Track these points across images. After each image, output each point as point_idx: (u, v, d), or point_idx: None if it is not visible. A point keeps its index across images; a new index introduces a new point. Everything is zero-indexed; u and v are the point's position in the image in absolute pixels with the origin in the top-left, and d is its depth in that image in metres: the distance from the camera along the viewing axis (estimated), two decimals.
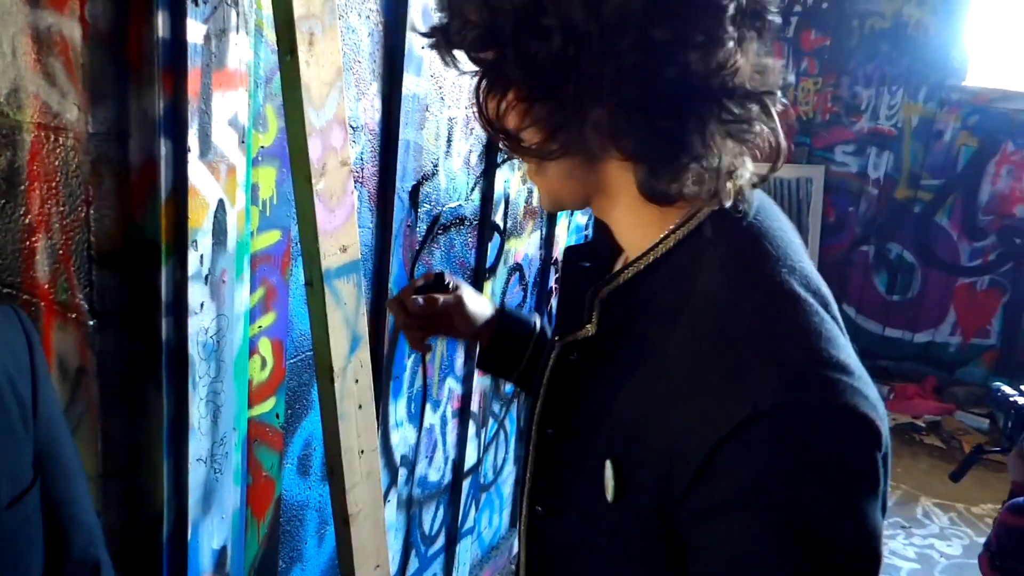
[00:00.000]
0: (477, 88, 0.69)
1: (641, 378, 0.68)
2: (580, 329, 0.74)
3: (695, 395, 0.62)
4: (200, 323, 1.20)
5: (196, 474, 1.22)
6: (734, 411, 0.59)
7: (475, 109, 0.71)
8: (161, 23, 1.07)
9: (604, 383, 0.72)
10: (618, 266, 0.79)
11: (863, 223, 5.17)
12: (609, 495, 0.68)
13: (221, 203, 1.21)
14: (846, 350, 0.63)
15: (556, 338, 0.77)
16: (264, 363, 1.51)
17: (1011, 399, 2.05)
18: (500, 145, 0.73)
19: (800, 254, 0.70)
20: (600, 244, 0.84)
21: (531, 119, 0.67)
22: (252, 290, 1.43)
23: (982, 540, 2.37)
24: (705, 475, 0.60)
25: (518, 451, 2.79)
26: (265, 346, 1.51)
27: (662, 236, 0.69)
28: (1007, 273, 4.93)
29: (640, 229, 0.71)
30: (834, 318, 0.66)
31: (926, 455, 4.23)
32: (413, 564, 2.25)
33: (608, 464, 0.68)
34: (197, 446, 1.22)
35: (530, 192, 2.47)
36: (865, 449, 0.60)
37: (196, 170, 1.15)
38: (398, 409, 1.94)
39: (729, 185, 0.66)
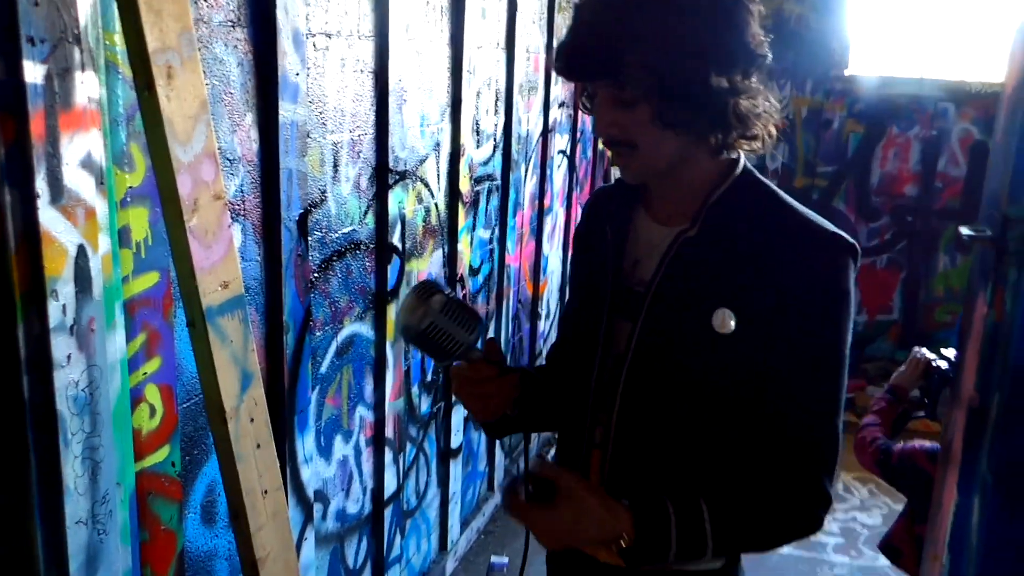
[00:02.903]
0: (610, 106, 1.09)
1: (742, 254, 1.09)
2: (687, 231, 1.14)
3: (787, 255, 1.07)
4: (68, 376, 1.14)
5: (76, 537, 1.15)
6: (820, 257, 1.06)
7: (607, 120, 1.10)
8: None
9: (704, 266, 1.12)
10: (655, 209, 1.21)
11: None
12: (729, 328, 1.07)
13: (82, 248, 1.16)
14: None
15: (674, 239, 1.16)
16: (153, 411, 1.45)
17: (933, 364, 2.14)
18: (613, 147, 1.12)
19: None
20: (605, 214, 1.26)
21: (655, 125, 1.07)
22: (132, 336, 1.37)
23: (899, 507, 2.46)
24: (802, 293, 1.05)
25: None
26: (153, 393, 1.44)
27: (727, 176, 1.14)
28: (902, 251, 5.17)
29: (704, 174, 1.14)
30: None
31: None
32: None
33: (722, 310, 1.08)
34: (75, 507, 1.15)
35: (427, 211, 2.45)
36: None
37: (48, 216, 1.09)
38: (306, 443, 1.89)
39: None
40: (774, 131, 1.14)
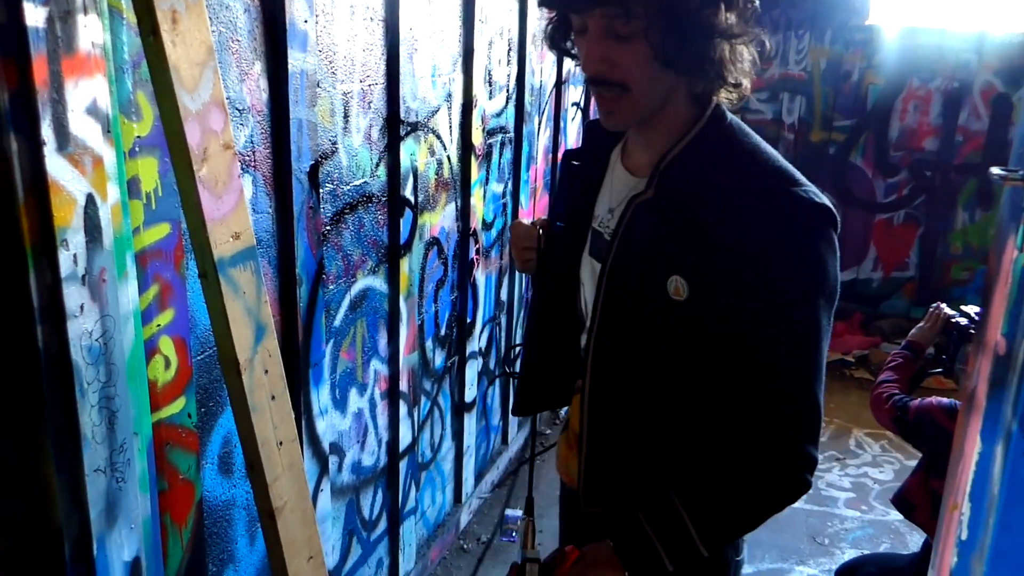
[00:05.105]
0: (605, 36, 1.02)
1: (699, 219, 1.04)
2: (642, 194, 1.09)
3: (748, 220, 1.01)
4: (82, 326, 1.14)
5: (95, 485, 1.16)
6: (788, 223, 1.01)
7: (599, 55, 1.03)
8: None
9: (659, 231, 1.07)
10: (637, 160, 1.16)
11: None
12: (682, 295, 1.05)
13: (90, 198, 1.14)
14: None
15: (628, 203, 1.11)
16: (168, 363, 1.45)
17: (952, 320, 2.11)
18: (603, 87, 1.05)
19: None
20: (590, 149, 1.24)
21: (652, 63, 1.02)
22: (144, 288, 1.36)
23: (912, 463, 2.46)
24: (761, 263, 1.00)
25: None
26: (167, 345, 1.44)
27: (692, 127, 1.09)
28: (920, 206, 5.10)
29: (677, 123, 1.10)
30: None
31: (856, 388, 4.38)
32: (355, 551, 2.22)
33: (676, 278, 1.05)
34: (93, 456, 1.16)
35: (439, 164, 2.42)
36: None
37: (55, 164, 1.07)
38: (321, 396, 1.89)
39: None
40: (749, 85, 1.10)
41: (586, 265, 1.22)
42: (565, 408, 1.39)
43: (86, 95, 1.11)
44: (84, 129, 1.11)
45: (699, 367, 1.09)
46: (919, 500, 2.14)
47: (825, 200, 1.05)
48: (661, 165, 1.09)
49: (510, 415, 3.40)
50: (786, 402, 1.06)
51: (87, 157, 1.12)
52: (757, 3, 1.05)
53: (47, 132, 1.05)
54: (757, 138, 1.12)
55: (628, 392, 1.16)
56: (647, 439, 1.16)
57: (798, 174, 1.07)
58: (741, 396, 1.07)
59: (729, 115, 1.12)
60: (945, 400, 2.07)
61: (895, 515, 2.95)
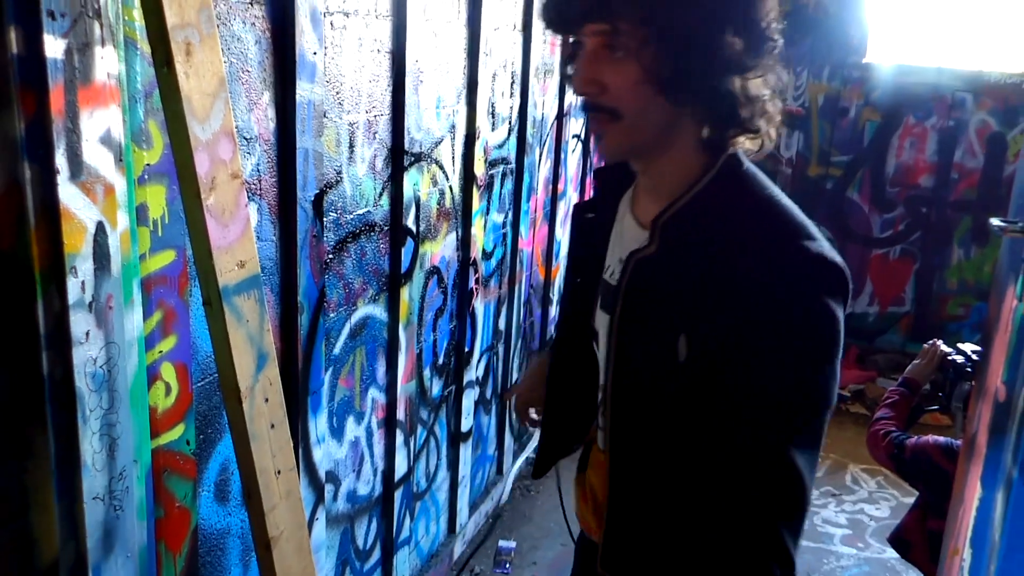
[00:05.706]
0: (597, 58, 0.95)
1: (706, 276, 0.96)
2: (644, 250, 1.03)
3: (754, 275, 0.93)
4: (87, 353, 1.14)
5: (93, 513, 1.16)
6: (794, 285, 0.93)
7: (588, 75, 0.96)
8: (15, 39, 1.01)
9: (663, 289, 1.01)
10: (638, 208, 1.11)
11: None
12: (682, 356, 0.97)
13: (100, 225, 1.15)
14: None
15: (628, 258, 1.05)
16: (169, 389, 1.45)
17: (948, 357, 2.12)
18: (593, 111, 0.98)
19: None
20: (599, 197, 1.20)
21: (644, 87, 0.93)
22: (148, 314, 1.37)
23: (909, 500, 2.45)
24: (762, 318, 0.92)
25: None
26: (168, 371, 1.44)
27: (701, 178, 1.00)
28: (916, 241, 5.14)
29: (684, 171, 1.01)
30: None
31: (852, 423, 4.37)
32: None
33: (682, 337, 0.97)
34: (92, 483, 1.15)
35: (441, 194, 2.44)
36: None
37: (67, 192, 1.08)
38: (318, 424, 1.89)
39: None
40: (774, 133, 0.99)
41: (599, 316, 1.18)
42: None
43: (100, 124, 1.12)
44: (97, 158, 1.12)
45: (701, 429, 1.01)
46: (916, 539, 2.13)
47: (838, 259, 0.96)
48: (661, 220, 1.01)
49: (506, 445, 3.39)
50: (764, 473, 0.96)
51: (99, 185, 1.13)
52: (781, 42, 0.96)
53: (61, 160, 1.06)
54: (775, 189, 1.03)
55: (642, 453, 1.10)
56: (664, 498, 1.11)
57: (813, 229, 0.99)
58: (724, 460, 0.98)
59: (747, 163, 1.02)
60: (942, 439, 2.07)
61: (891, 553, 2.93)
